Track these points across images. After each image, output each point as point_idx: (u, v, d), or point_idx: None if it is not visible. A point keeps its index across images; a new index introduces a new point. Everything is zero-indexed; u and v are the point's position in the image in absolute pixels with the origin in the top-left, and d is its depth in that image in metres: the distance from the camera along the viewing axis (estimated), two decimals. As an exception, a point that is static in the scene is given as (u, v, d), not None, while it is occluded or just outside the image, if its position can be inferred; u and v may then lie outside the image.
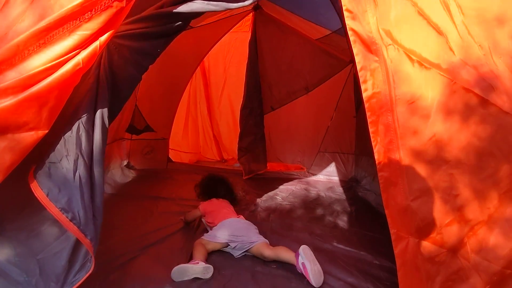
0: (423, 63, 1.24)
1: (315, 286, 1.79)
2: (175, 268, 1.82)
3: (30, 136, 1.25)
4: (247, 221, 2.46)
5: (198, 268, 1.85)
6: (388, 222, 1.35)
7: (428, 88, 1.26)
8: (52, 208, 1.31)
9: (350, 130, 4.19)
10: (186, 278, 1.82)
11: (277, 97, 4.21)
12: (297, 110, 4.24)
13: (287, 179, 4.16)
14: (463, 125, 1.23)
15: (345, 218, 3.02)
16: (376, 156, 1.34)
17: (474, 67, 1.18)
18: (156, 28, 1.42)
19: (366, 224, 2.86)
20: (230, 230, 2.19)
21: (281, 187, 3.84)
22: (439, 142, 1.29)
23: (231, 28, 4.15)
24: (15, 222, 1.42)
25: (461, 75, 1.19)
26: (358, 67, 1.32)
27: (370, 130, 1.32)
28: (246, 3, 1.43)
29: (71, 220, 1.34)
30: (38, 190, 1.29)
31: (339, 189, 3.90)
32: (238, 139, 4.10)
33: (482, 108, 1.21)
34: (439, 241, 1.33)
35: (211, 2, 1.36)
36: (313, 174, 4.33)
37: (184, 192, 3.37)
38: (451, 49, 1.20)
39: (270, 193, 3.59)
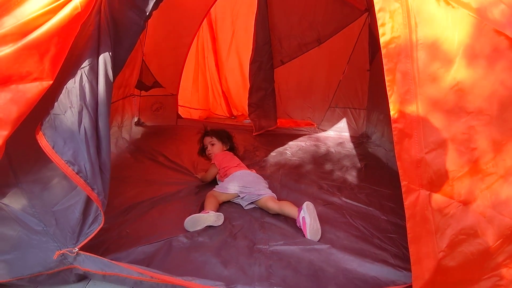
0: (450, 2, 1.13)
1: (310, 239, 1.84)
2: (188, 218, 1.88)
3: (35, 87, 1.23)
4: (257, 174, 2.48)
5: (209, 217, 1.91)
6: (399, 174, 1.31)
7: (454, 30, 1.15)
8: (59, 161, 1.32)
9: (363, 84, 4.05)
10: (198, 228, 1.89)
11: (287, 50, 4.04)
12: (308, 63, 4.07)
13: (297, 135, 4.12)
14: (488, 71, 1.14)
15: (354, 173, 3.02)
16: (391, 107, 1.27)
17: (510, 6, 1.06)
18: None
19: (376, 180, 2.85)
20: (240, 182, 2.25)
21: (290, 143, 3.82)
22: (460, 90, 1.21)
23: (239, -24, 3.89)
24: (29, 175, 1.45)
25: (493, 15, 1.08)
26: (377, 9, 1.21)
27: (386, 78, 1.24)
28: None
29: (77, 173, 1.36)
30: (44, 141, 1.29)
31: (349, 145, 3.87)
32: (248, 95, 4.02)
33: (512, 53, 1.11)
34: (450, 193, 1.30)
35: None
36: (323, 130, 4.28)
37: (194, 148, 3.39)
38: (483, -14, 1.07)
39: (280, 149, 3.59)
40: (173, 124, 4.29)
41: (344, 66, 4.02)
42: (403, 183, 1.30)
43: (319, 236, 1.88)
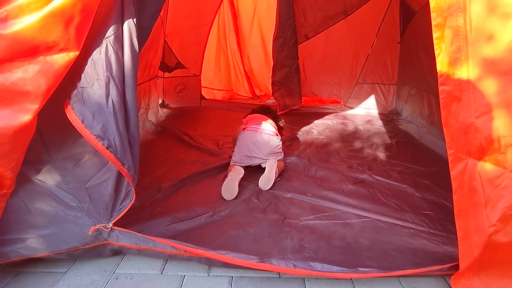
0: None
1: (260, 188, 2.10)
2: (222, 190, 2.00)
3: (62, 58, 1.20)
4: (261, 137, 2.42)
5: (232, 175, 2.10)
6: (446, 142, 1.21)
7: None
8: (88, 135, 1.29)
9: (393, 58, 3.84)
10: (235, 193, 2.00)
11: (312, 24, 3.87)
12: (334, 38, 3.90)
13: (323, 113, 4.00)
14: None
15: (385, 151, 2.89)
16: (438, 67, 1.15)
17: None
18: None
19: (408, 157, 2.72)
20: (243, 151, 2.35)
21: (316, 121, 3.71)
22: (519, 48, 1.08)
23: None
24: (61, 152, 1.44)
25: None
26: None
27: (434, 35, 1.12)
28: None
29: (107, 148, 1.34)
30: (73, 116, 1.27)
31: (379, 122, 3.72)
32: (271, 73, 3.91)
33: None
34: (502, 162, 1.18)
35: None
36: (351, 108, 4.13)
37: (218, 129, 3.36)
38: None
39: (306, 128, 3.49)
40: (197, 105, 4.27)
41: (372, 39, 3.82)
42: (449, 151, 1.20)
43: (269, 185, 2.10)
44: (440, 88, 1.16)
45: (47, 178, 1.43)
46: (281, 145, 2.48)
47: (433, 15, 1.11)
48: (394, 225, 1.74)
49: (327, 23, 3.85)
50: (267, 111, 2.88)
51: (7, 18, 1.06)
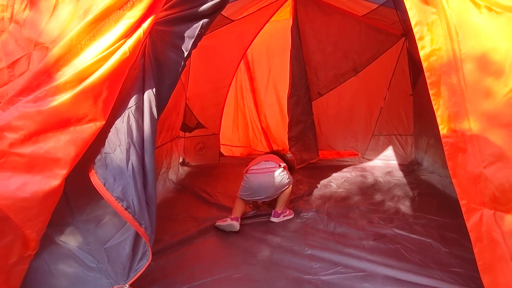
0: (492, 8, 1.07)
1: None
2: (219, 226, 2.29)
3: (90, 128, 1.33)
4: (266, 179, 2.51)
5: (224, 225, 2.29)
6: (457, 192, 1.20)
7: (501, 38, 1.09)
8: (109, 197, 1.38)
9: (407, 109, 3.90)
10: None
11: (324, 81, 4.06)
12: (347, 93, 4.04)
13: (341, 166, 3.99)
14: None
15: (407, 203, 2.81)
16: (438, 121, 1.19)
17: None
18: (193, 9, 1.42)
19: (432, 209, 2.63)
20: (250, 191, 2.52)
21: (335, 174, 3.69)
22: (517, 99, 1.11)
23: (271, 17, 4.07)
24: (84, 213, 1.53)
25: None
26: (413, 23, 1.18)
27: (430, 92, 1.18)
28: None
29: (126, 209, 1.41)
30: (96, 179, 1.37)
31: (399, 173, 3.65)
32: (287, 129, 4.03)
33: None
34: (521, 211, 1.15)
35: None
36: (369, 160, 4.11)
37: (237, 185, 3.39)
38: (528, -14, 1.01)
39: (324, 181, 3.48)
40: (216, 162, 4.38)
41: (384, 92, 3.93)
42: (462, 202, 1.18)
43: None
44: (443, 140, 1.19)
45: (70, 239, 1.49)
46: (285, 175, 2.54)
47: (427, 74, 1.18)
48: (419, 285, 1.63)
49: (339, 80, 4.02)
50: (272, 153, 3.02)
51: (45, 96, 1.21)
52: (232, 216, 2.35)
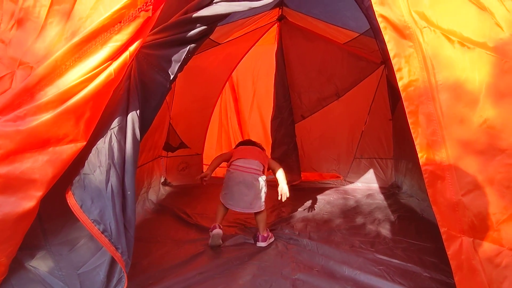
0: (465, 43, 1.14)
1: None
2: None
3: (70, 149, 1.30)
4: (252, 175, 2.46)
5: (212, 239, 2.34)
6: (437, 220, 1.23)
7: (474, 70, 1.15)
8: (85, 220, 1.33)
9: (387, 133, 4.01)
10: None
11: (307, 105, 4.15)
12: (329, 116, 4.13)
13: (323, 188, 4.02)
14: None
15: (388, 226, 2.84)
16: (418, 149, 1.23)
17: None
18: (181, 34, 1.44)
19: (412, 233, 2.66)
20: (231, 200, 2.48)
21: (317, 196, 3.71)
22: (491, 129, 1.17)
23: (256, 41, 4.18)
24: (58, 236, 1.46)
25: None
26: (391, 55, 1.24)
27: (409, 120, 1.23)
28: (269, 0, 1.41)
29: (102, 232, 1.36)
30: (72, 201, 1.32)
31: (380, 196, 3.71)
32: (270, 150, 4.06)
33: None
34: (498, 239, 1.18)
35: (233, 3, 1.35)
36: (351, 182, 4.17)
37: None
38: (498, 25, 1.09)
39: (307, 203, 3.48)
40: (199, 183, 4.31)
41: (365, 116, 4.04)
42: (442, 229, 1.21)
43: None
44: (423, 168, 1.23)
45: (41, 264, 1.42)
46: (264, 187, 2.52)
47: (405, 103, 1.23)
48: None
49: (321, 104, 4.12)
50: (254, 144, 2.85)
51: (26, 115, 1.18)
52: (212, 225, 2.41)
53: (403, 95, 1.22)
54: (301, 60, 4.05)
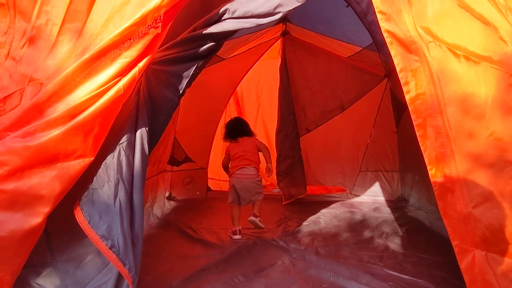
0: (470, 57, 1.15)
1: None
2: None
3: (78, 164, 1.30)
4: (250, 180, 2.92)
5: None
6: (448, 233, 1.20)
7: (480, 84, 1.16)
8: (93, 235, 1.33)
9: (392, 146, 3.99)
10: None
11: (311, 118, 4.16)
12: (334, 129, 4.13)
13: (329, 202, 3.99)
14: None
15: (396, 240, 2.79)
16: (427, 161, 1.23)
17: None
18: (190, 51, 1.46)
19: (421, 246, 2.61)
20: (237, 195, 2.91)
21: (323, 210, 3.67)
22: (498, 141, 1.16)
23: (260, 56, 4.24)
24: (64, 253, 1.46)
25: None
26: (398, 69, 1.25)
27: (417, 133, 1.22)
28: (276, 16, 1.44)
29: (110, 248, 1.35)
30: (80, 216, 1.32)
31: (386, 209, 3.66)
32: (275, 164, 4.05)
33: (546, 99, 1.08)
34: (511, 253, 1.16)
35: (241, 20, 1.38)
36: (357, 195, 4.13)
37: (223, 220, 3.33)
38: (502, 39, 1.10)
39: (313, 217, 3.44)
40: (204, 197, 4.31)
41: (370, 129, 4.03)
42: (454, 243, 1.19)
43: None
44: (432, 180, 1.22)
45: (46, 282, 1.41)
46: (261, 184, 2.99)
47: (413, 116, 1.23)
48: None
49: (326, 117, 4.13)
50: (245, 132, 3.16)
51: (35, 132, 1.19)
52: (233, 229, 2.79)
53: (410, 108, 1.23)
54: (304, 73, 4.09)
